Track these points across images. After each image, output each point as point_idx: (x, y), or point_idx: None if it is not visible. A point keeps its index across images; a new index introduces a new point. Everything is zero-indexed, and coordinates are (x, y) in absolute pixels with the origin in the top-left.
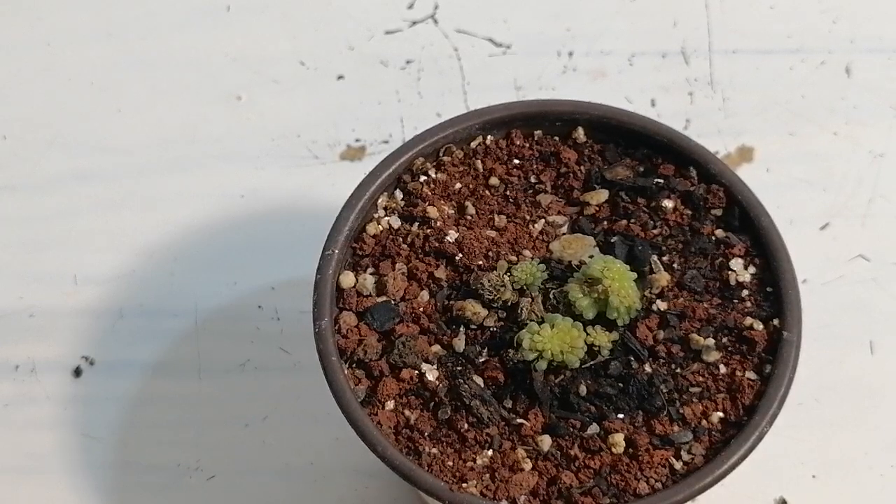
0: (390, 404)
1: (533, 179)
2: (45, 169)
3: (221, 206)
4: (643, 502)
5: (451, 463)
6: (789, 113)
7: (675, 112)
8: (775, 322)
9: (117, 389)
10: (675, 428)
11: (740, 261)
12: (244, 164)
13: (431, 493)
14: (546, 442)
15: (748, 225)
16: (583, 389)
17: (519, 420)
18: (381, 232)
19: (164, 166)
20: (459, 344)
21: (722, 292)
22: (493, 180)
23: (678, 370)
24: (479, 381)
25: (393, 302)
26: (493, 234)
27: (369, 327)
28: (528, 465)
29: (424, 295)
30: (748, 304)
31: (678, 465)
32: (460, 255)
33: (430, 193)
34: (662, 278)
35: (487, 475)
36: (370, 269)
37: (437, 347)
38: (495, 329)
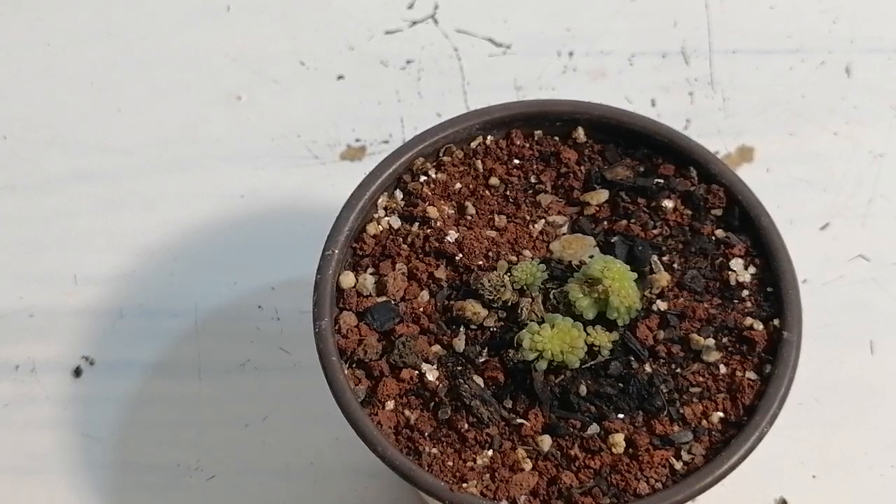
0: (390, 404)
1: (533, 179)
2: (45, 169)
3: (221, 206)
4: (643, 502)
5: (451, 463)
6: (789, 113)
7: (675, 112)
8: (775, 322)
9: (117, 389)
10: (676, 428)
11: (740, 261)
12: (244, 164)
13: (431, 493)
14: (546, 442)
15: (748, 225)
16: (583, 389)
17: (519, 420)
18: (382, 232)
19: (164, 166)
20: (459, 344)
21: (722, 292)
22: (494, 180)
23: (678, 370)
24: (480, 381)
25: (393, 302)
26: (493, 234)
27: (369, 327)
28: (528, 465)
29: (424, 295)
30: (748, 304)
31: (678, 466)
32: (460, 255)
33: (430, 193)
34: (662, 278)
35: (487, 475)
36: (370, 270)
37: (437, 347)
38: (495, 329)
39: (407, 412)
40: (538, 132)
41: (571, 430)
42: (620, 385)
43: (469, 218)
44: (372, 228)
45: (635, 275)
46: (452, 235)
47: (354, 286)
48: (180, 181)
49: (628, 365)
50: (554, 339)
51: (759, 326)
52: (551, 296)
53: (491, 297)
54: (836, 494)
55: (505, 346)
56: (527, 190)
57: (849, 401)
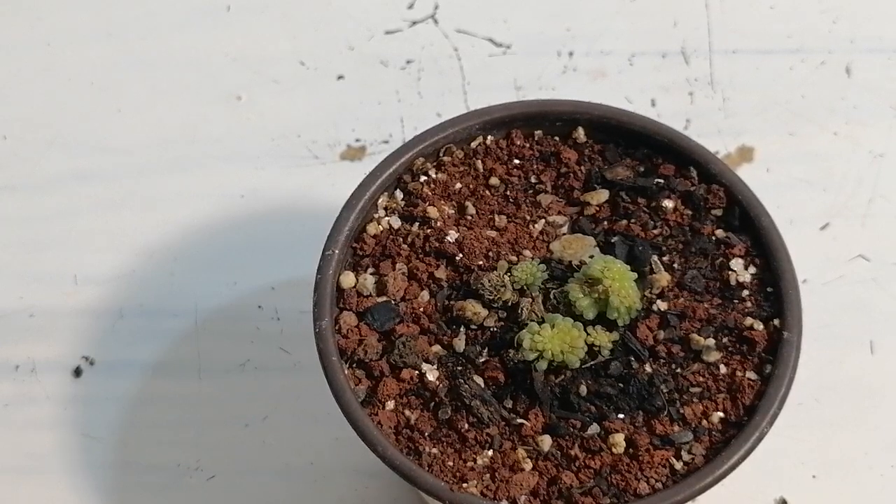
0: (390, 404)
1: (533, 179)
2: (45, 169)
3: (221, 206)
4: (643, 502)
5: (451, 463)
6: (789, 113)
7: (676, 112)
8: (775, 322)
9: (117, 389)
10: (676, 428)
11: (740, 261)
12: (244, 164)
13: (432, 493)
14: (546, 442)
15: (748, 225)
16: (583, 389)
17: (519, 420)
18: (382, 232)
19: (164, 166)
20: (460, 344)
21: (722, 292)
22: (494, 180)
23: (678, 370)
24: (480, 381)
25: (393, 302)
26: (493, 234)
27: (369, 327)
28: (528, 465)
29: (425, 295)
30: (748, 304)
31: (678, 466)
32: (460, 255)
33: (430, 193)
34: (663, 278)
35: (488, 475)
36: (370, 270)
37: (437, 347)
38: (495, 329)
39: (407, 412)
40: (538, 132)
41: (571, 430)
42: (620, 385)
43: (469, 218)
44: (372, 228)
45: (635, 275)
46: (452, 235)
47: (354, 286)
48: (180, 181)
49: (628, 365)
50: (554, 339)
51: (760, 326)
52: (551, 296)
53: (491, 297)
54: (836, 494)
55: (505, 346)
56: (527, 190)
57: (849, 401)
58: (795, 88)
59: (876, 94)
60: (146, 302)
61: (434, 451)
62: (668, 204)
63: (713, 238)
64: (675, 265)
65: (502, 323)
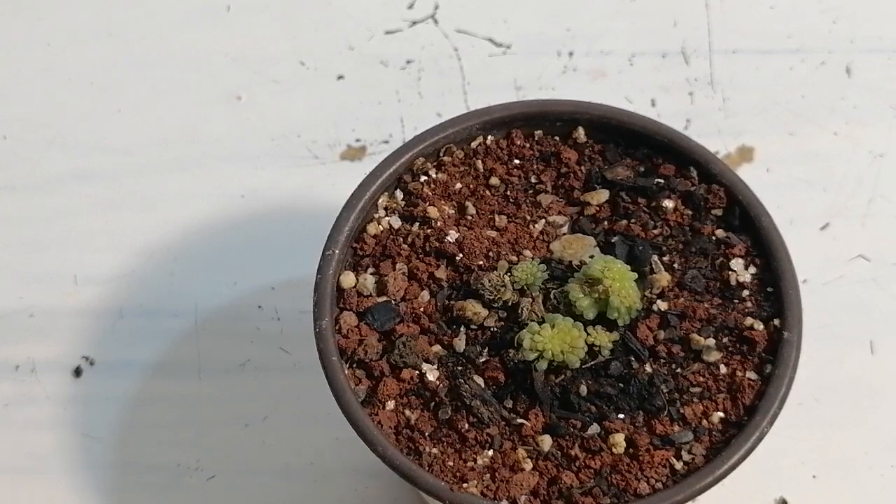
0: (391, 404)
1: (533, 179)
2: (45, 169)
3: (221, 206)
4: (644, 502)
5: (451, 463)
6: (789, 113)
7: (676, 112)
8: (776, 322)
9: (117, 389)
10: (676, 428)
11: (741, 261)
12: (244, 164)
13: (432, 493)
14: (546, 442)
15: (748, 225)
16: (583, 389)
17: (519, 420)
18: (382, 232)
19: (164, 166)
20: (460, 344)
21: (722, 292)
22: (494, 180)
23: (679, 370)
24: (480, 381)
25: (393, 302)
26: (493, 234)
27: (370, 327)
28: (528, 465)
29: (425, 295)
30: (748, 304)
31: (679, 465)
32: (461, 255)
33: (430, 193)
34: (663, 278)
35: (488, 475)
36: (370, 269)
37: (437, 347)
38: (496, 329)
39: (407, 412)
40: (538, 132)
41: (572, 430)
42: (621, 385)
43: (469, 218)
44: (372, 228)
45: (635, 275)
46: (453, 235)
47: (355, 286)
48: (180, 181)
49: (629, 365)
50: (554, 339)
51: (760, 326)
52: (552, 296)
53: (491, 297)
54: (836, 494)
55: (505, 346)
56: (527, 190)
57: (849, 401)
58: (795, 88)
59: (876, 94)
60: (146, 302)
61: (434, 451)
62: (669, 204)
63: (713, 238)
64: (676, 265)
65: (502, 323)
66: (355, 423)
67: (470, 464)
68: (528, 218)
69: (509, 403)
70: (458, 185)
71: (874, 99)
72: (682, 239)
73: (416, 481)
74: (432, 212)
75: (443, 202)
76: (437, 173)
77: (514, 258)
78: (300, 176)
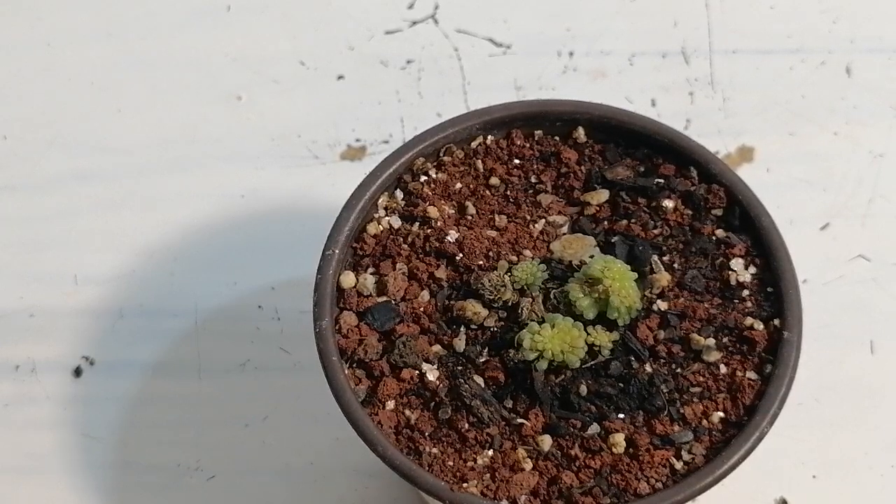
0: (391, 404)
1: (533, 179)
2: (45, 169)
3: (221, 206)
4: (644, 502)
5: (451, 463)
6: (789, 113)
7: (676, 112)
8: (776, 322)
9: (117, 389)
10: (676, 428)
11: (741, 261)
12: (244, 164)
13: (432, 493)
14: (546, 442)
15: (749, 225)
16: (583, 389)
17: (519, 420)
18: (382, 232)
19: (164, 166)
20: (460, 344)
21: (722, 292)
22: (494, 180)
23: (679, 370)
24: (480, 380)
25: (393, 302)
26: (493, 234)
27: (370, 327)
28: (528, 465)
29: (425, 295)
30: (748, 304)
31: (679, 465)
32: (461, 255)
33: (430, 193)
34: (663, 278)
35: (488, 475)
36: (370, 269)
37: (437, 347)
38: (496, 329)
39: (407, 412)
40: (538, 132)
41: (572, 429)
42: (621, 385)
43: (469, 218)
44: (372, 228)
45: (635, 275)
46: (453, 235)
47: (355, 286)
48: (180, 181)
49: (629, 365)
50: (554, 339)
51: (760, 326)
52: (552, 296)
53: (491, 297)
54: (836, 494)
55: (505, 346)
56: (527, 190)
57: (849, 401)
58: (795, 88)
59: (876, 94)
60: (146, 302)
61: (434, 450)
62: (669, 204)
63: (713, 238)
64: (676, 265)
65: (502, 323)
66: (355, 423)
67: (470, 464)
68: (528, 218)
69: (509, 403)
70: (458, 185)
71: (874, 99)
72: (682, 239)
73: (416, 481)
74: (432, 212)
75: (443, 202)
76: (437, 173)
77: (514, 258)
78: (300, 176)
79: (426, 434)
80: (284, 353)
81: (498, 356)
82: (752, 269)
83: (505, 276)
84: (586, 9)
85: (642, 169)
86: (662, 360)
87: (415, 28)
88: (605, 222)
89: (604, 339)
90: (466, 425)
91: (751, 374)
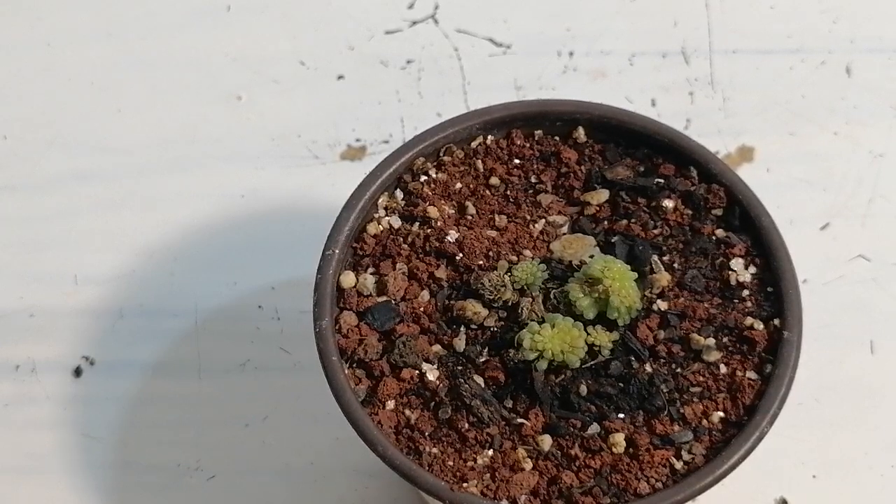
0: (391, 404)
1: (533, 179)
2: (45, 169)
3: (221, 206)
4: (644, 502)
5: (451, 462)
6: (789, 113)
7: (676, 112)
8: (776, 322)
9: (117, 389)
10: (676, 428)
11: (741, 261)
12: (244, 164)
13: (432, 493)
14: (546, 442)
15: (749, 225)
16: (583, 389)
17: (519, 420)
18: (382, 232)
19: (164, 166)
20: (460, 344)
21: (722, 292)
22: (494, 180)
23: (679, 370)
24: (480, 380)
25: (393, 302)
26: (493, 233)
27: (370, 327)
28: (528, 465)
29: (425, 295)
30: (749, 303)
31: (679, 465)
32: (461, 254)
33: (430, 193)
34: (663, 278)
35: (488, 475)
36: (370, 269)
37: (437, 347)
38: (496, 329)
39: (407, 412)
40: (538, 132)
41: (572, 429)
42: (621, 385)
43: (469, 218)
44: (372, 228)
45: (635, 275)
46: (453, 235)
47: (355, 286)
48: (180, 181)
49: (629, 365)
50: (554, 339)
51: (760, 326)
52: (552, 296)
53: (491, 297)
54: (836, 494)
55: (505, 346)
56: (527, 190)
57: (849, 401)
58: (795, 88)
59: (876, 94)
60: (146, 302)
61: (434, 450)
62: (669, 204)
63: (713, 238)
64: (676, 265)
65: (502, 323)
66: (355, 422)
67: (470, 463)
68: (528, 218)
69: (509, 403)
70: (458, 185)
71: (874, 99)
72: (682, 239)
73: (416, 481)
74: (432, 212)
75: (443, 202)
76: (437, 173)
77: (514, 258)
78: (300, 176)
79: (426, 434)
80: (284, 353)
81: (498, 356)
82: (752, 269)
83: (505, 276)
84: (586, 9)
85: (642, 169)
86: (662, 360)
87: (415, 28)
88: (605, 222)
89: (604, 339)
90: (466, 425)
91: (751, 374)
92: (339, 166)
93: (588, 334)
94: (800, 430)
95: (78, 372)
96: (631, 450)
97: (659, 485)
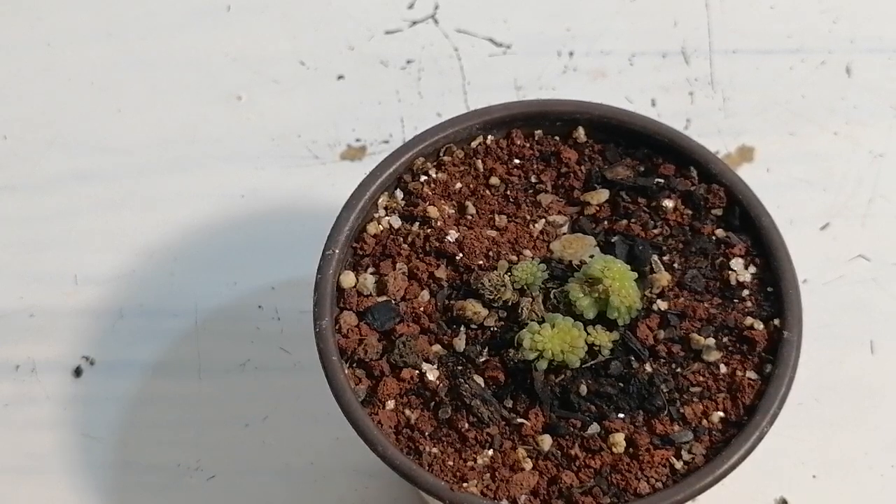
0: (391, 404)
1: (533, 179)
2: (45, 169)
3: (221, 206)
4: (644, 502)
5: (451, 462)
6: (789, 113)
7: (676, 112)
8: (776, 322)
9: (117, 389)
10: (676, 427)
11: (741, 260)
12: (244, 164)
13: (432, 493)
14: (546, 441)
15: (749, 225)
16: (583, 389)
17: (519, 420)
18: (382, 232)
19: (164, 166)
20: (460, 344)
21: (722, 292)
22: (494, 180)
23: (679, 370)
24: (480, 380)
25: (393, 302)
26: (493, 233)
27: (370, 327)
28: (528, 465)
29: (425, 295)
30: (748, 303)
31: (679, 465)
32: (461, 254)
33: (430, 193)
34: (663, 278)
35: (488, 475)
36: (371, 269)
37: (437, 347)
38: (496, 329)
39: (407, 412)
40: (538, 132)
41: (572, 429)
42: (621, 385)
43: (469, 218)
44: (372, 228)
45: (635, 274)
46: (453, 235)
47: (355, 286)
48: (180, 181)
49: (629, 364)
50: (554, 339)
51: (760, 326)
52: (552, 295)
53: (491, 297)
54: (836, 494)
55: (505, 346)
56: (527, 190)
57: (849, 401)
58: (795, 88)
59: (876, 94)
60: (146, 302)
61: (434, 450)
62: (669, 204)
63: (713, 238)
64: (676, 265)
65: (502, 323)
66: (355, 422)
67: (470, 463)
68: (528, 218)
69: (509, 403)
70: (458, 185)
71: (874, 99)
72: (682, 239)
73: (416, 481)
74: (432, 211)
75: (443, 202)
76: (437, 173)
77: (514, 258)
78: (300, 176)
79: (426, 434)
80: (284, 353)
81: (498, 356)
82: (752, 269)
83: (505, 275)
84: (586, 9)
85: (642, 169)
86: (662, 360)
87: (415, 28)
88: (605, 222)
89: (604, 338)
90: (466, 425)
91: (751, 374)
92: (339, 166)
93: (588, 334)
94: (800, 430)
95: (78, 372)
96: (631, 450)
97: (659, 485)
